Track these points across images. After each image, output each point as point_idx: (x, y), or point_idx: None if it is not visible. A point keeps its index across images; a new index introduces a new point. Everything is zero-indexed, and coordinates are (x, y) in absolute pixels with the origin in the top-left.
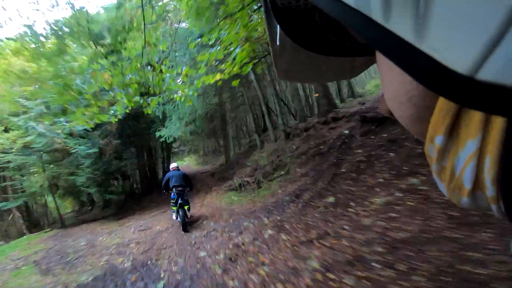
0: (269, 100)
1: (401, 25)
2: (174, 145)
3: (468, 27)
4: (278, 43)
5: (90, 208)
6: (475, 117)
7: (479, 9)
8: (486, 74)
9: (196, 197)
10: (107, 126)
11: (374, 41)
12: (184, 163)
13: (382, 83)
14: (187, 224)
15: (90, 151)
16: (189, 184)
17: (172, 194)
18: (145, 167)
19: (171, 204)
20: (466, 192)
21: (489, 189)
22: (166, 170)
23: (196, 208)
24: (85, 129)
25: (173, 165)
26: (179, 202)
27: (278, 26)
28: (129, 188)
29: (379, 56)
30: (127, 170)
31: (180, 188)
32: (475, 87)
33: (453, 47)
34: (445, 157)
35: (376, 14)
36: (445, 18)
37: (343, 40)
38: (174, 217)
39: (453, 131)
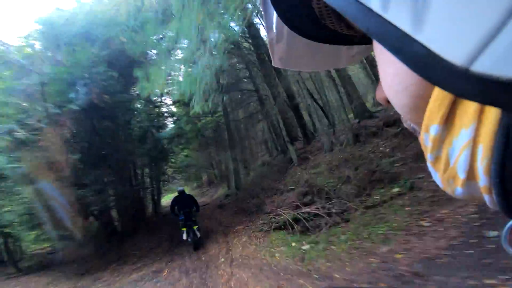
0: (299, 101)
1: (399, 16)
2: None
3: (465, 19)
4: (274, 31)
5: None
6: (469, 107)
7: (476, 2)
8: (481, 66)
9: (210, 244)
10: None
11: (372, 30)
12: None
13: (379, 72)
14: (198, 243)
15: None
16: (196, 206)
17: (180, 216)
18: (127, 199)
19: (180, 225)
20: (460, 181)
21: (482, 179)
22: (157, 202)
23: (224, 273)
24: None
25: (179, 189)
26: (187, 223)
27: (274, 13)
28: (103, 227)
29: (377, 45)
30: (99, 202)
31: (187, 210)
32: (470, 78)
33: (449, 39)
34: (440, 147)
35: (374, 4)
36: (442, 10)
37: (340, 28)
38: (184, 238)
39: (448, 121)
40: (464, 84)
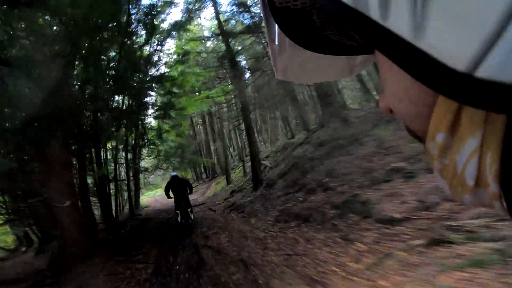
0: None
1: (399, 23)
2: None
3: (466, 24)
4: (276, 43)
5: None
6: (476, 114)
7: (477, 6)
8: (485, 71)
9: None
10: None
11: (373, 39)
12: (157, 194)
13: (382, 81)
14: (191, 225)
15: None
16: (190, 188)
17: (175, 199)
18: (77, 214)
19: (175, 207)
20: (469, 189)
21: (491, 185)
22: (134, 201)
23: None
24: None
25: (172, 174)
26: (182, 205)
27: (276, 25)
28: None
29: (378, 54)
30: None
31: (181, 192)
32: (474, 85)
33: (451, 45)
34: (447, 154)
35: (374, 12)
36: (442, 16)
37: (342, 39)
38: (179, 220)
39: (454, 128)
40: (468, 90)
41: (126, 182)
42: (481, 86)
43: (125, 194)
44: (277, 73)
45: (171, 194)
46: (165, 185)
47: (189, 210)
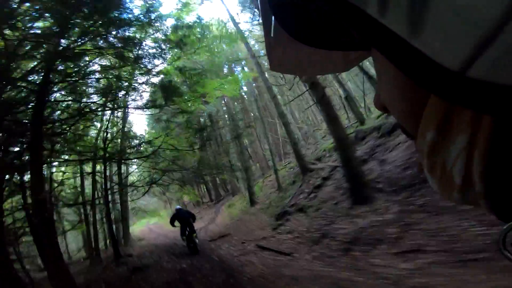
0: None
1: (396, 21)
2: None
3: (461, 24)
4: (272, 35)
5: None
6: (465, 113)
7: (473, 7)
8: (476, 72)
9: None
10: None
11: (369, 36)
12: (150, 222)
13: (377, 78)
14: (197, 248)
15: None
16: (193, 217)
17: (180, 226)
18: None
19: (181, 233)
20: (457, 187)
21: (478, 184)
22: (119, 256)
23: None
24: None
25: (177, 207)
26: (187, 231)
27: (273, 18)
28: None
29: (374, 51)
30: None
31: (186, 221)
32: (464, 84)
33: (444, 44)
34: (436, 153)
35: (371, 9)
36: (439, 15)
37: (339, 34)
38: (185, 244)
39: (444, 127)
40: (458, 90)
41: (105, 208)
42: (470, 86)
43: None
44: (272, 65)
45: (176, 223)
46: (169, 216)
47: (194, 235)
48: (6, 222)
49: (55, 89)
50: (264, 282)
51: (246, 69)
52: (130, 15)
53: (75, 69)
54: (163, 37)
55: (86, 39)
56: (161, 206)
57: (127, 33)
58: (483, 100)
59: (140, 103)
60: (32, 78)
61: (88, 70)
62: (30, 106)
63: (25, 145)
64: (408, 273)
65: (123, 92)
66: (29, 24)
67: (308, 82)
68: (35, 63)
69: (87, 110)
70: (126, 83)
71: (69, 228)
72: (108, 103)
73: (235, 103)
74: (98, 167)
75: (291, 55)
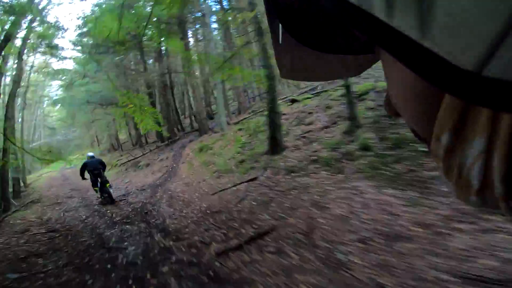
0: None
1: (404, 22)
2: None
3: (474, 21)
4: (280, 42)
5: None
6: (482, 114)
7: (485, 3)
8: (493, 70)
9: None
10: None
11: (378, 39)
12: (69, 166)
13: (387, 81)
14: (112, 198)
15: None
16: (104, 167)
17: (91, 178)
18: None
19: (92, 185)
20: (474, 190)
21: (498, 187)
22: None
23: None
24: None
25: (89, 154)
26: (99, 181)
27: (280, 25)
28: None
29: (383, 53)
30: None
31: (96, 172)
32: (482, 83)
33: (458, 43)
34: (452, 156)
35: (378, 11)
36: (449, 13)
37: (347, 38)
38: (99, 196)
39: (460, 129)
40: (475, 89)
41: None
42: (488, 85)
43: None
44: (282, 72)
45: (86, 175)
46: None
47: (107, 185)
48: None
49: None
50: None
51: None
52: None
53: None
54: None
55: None
56: (86, 143)
57: None
58: (501, 98)
59: None
60: None
61: None
62: None
63: None
64: None
65: None
66: None
67: None
68: None
69: None
70: None
71: None
72: None
73: None
74: None
75: (300, 61)
